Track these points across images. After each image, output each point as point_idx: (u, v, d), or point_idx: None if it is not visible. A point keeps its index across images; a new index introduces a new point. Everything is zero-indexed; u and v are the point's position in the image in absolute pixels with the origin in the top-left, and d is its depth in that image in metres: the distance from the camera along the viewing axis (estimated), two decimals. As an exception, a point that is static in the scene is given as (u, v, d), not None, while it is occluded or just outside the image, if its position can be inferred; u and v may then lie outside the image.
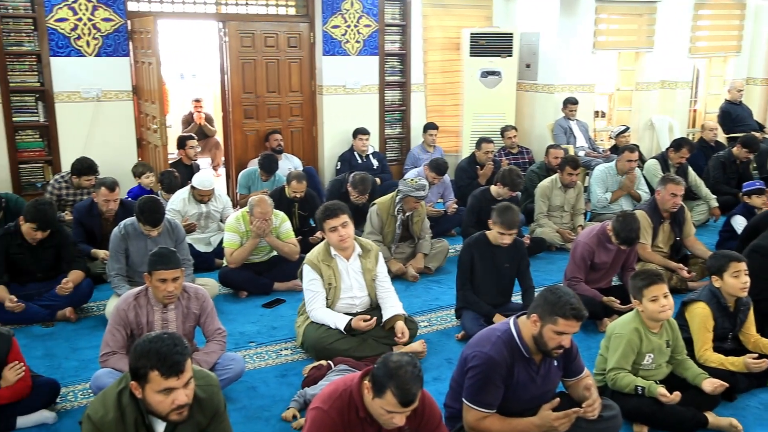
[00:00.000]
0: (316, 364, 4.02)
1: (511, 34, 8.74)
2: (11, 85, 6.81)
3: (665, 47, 9.59)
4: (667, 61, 9.69)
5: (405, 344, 4.26)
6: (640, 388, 3.45)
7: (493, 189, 6.09)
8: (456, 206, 6.86)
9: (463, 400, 3.03)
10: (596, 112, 10.12)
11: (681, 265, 5.29)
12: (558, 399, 3.09)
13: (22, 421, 3.53)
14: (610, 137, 9.11)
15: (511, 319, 3.12)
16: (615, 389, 3.51)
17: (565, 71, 8.81)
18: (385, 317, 4.33)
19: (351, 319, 4.17)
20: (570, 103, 8.49)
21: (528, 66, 9.10)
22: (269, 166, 6.91)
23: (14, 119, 6.88)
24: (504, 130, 8.38)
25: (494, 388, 2.98)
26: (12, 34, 6.75)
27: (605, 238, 4.72)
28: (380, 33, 8.44)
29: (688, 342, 3.79)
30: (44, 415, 3.59)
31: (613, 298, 4.65)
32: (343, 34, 8.22)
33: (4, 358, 3.44)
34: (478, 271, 4.54)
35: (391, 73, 8.75)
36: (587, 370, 3.31)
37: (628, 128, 8.71)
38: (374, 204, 5.88)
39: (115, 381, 2.58)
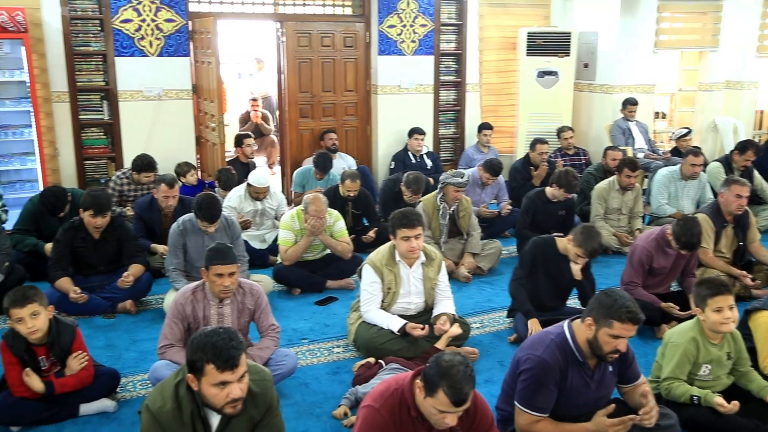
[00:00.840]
0: (365, 361, 4.05)
1: (569, 33, 8.61)
2: (78, 84, 7.04)
3: (731, 46, 9.30)
4: (732, 60, 9.41)
5: (459, 346, 4.25)
6: (695, 397, 3.34)
7: (548, 191, 6.01)
8: (510, 207, 6.79)
9: (515, 403, 3.00)
10: (656, 113, 9.88)
11: (744, 272, 5.11)
12: (613, 405, 3.02)
13: (85, 408, 3.64)
14: (671, 139, 8.89)
15: (566, 323, 3.07)
16: (669, 398, 3.42)
17: (625, 71, 8.63)
18: (434, 315, 4.33)
19: (406, 324, 4.15)
20: (629, 103, 8.31)
21: (586, 66, 8.95)
22: (324, 164, 6.97)
23: (80, 117, 7.12)
24: (560, 131, 8.25)
25: (547, 391, 2.94)
26: (80, 35, 6.98)
27: (665, 242, 4.60)
28: (436, 33, 8.43)
29: (752, 352, 3.65)
30: (105, 404, 3.70)
31: (672, 304, 4.52)
32: (399, 34, 8.23)
33: (69, 347, 3.58)
34: (540, 274, 4.46)
35: (446, 73, 8.73)
36: (644, 377, 3.23)
37: (690, 131, 8.47)
38: (420, 201, 5.88)
39: (172, 373, 2.63)
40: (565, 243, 4.34)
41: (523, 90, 8.72)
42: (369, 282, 4.28)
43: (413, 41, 8.33)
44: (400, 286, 4.28)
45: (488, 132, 8.30)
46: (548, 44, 8.56)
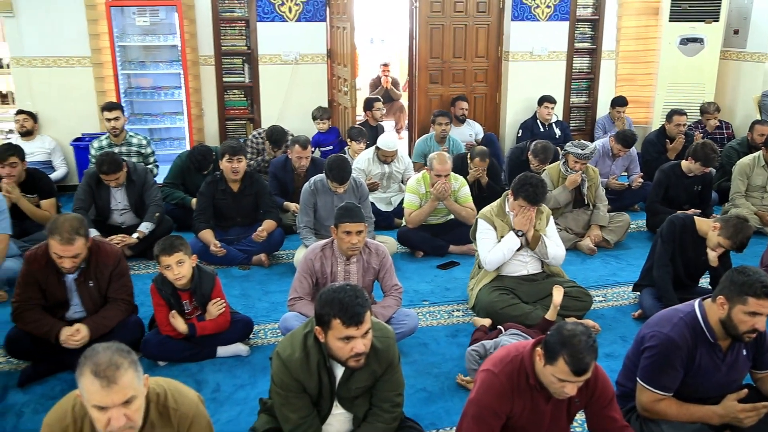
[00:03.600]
0: (481, 324, 4.05)
1: (720, -4, 7.99)
2: (223, 48, 7.37)
3: None
4: None
5: (580, 318, 4.15)
6: None
7: (684, 164, 5.69)
8: (641, 180, 6.50)
9: (638, 380, 2.89)
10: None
11: None
12: (746, 390, 2.86)
13: (221, 350, 3.87)
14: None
15: (696, 302, 2.91)
16: None
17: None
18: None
19: (514, 230, 4.24)
20: (783, 72, 7.64)
21: (736, 32, 8.27)
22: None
23: (224, 79, 7.46)
24: (704, 110, 7.70)
25: (672, 371, 2.81)
26: (226, 1, 7.28)
27: (813, 224, 4.25)
28: (573, -3, 8.09)
29: None
30: (239, 348, 3.91)
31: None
32: (534, -1, 7.98)
33: (209, 294, 3.81)
34: (674, 254, 4.25)
35: (581, 40, 8.37)
36: (781, 364, 3.03)
37: None
38: (545, 169, 5.74)
39: (301, 324, 2.73)
40: (707, 227, 4.09)
41: (664, 58, 8.22)
42: (483, 230, 4.32)
43: (548, 6, 8.03)
44: None
45: (621, 109, 7.92)
46: (695, 8, 7.99)
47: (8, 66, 7.01)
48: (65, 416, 2.19)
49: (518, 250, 4.28)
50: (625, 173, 6.75)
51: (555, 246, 4.34)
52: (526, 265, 4.34)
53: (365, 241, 3.81)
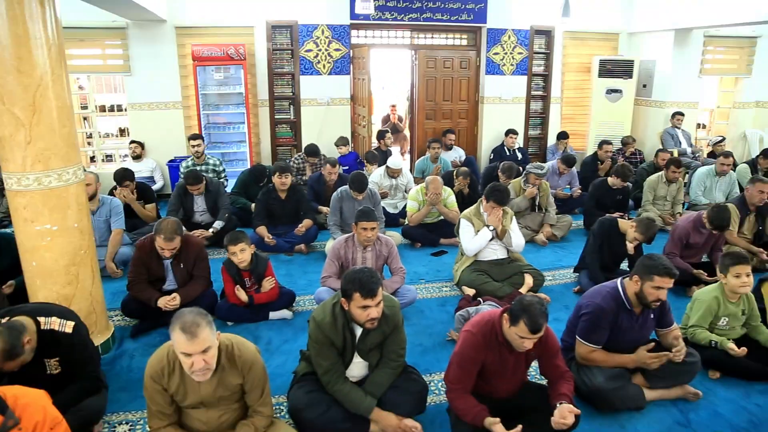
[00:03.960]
0: (466, 294, 4.04)
1: (632, 60, 7.97)
2: (275, 94, 7.36)
3: (763, 73, 8.31)
4: (763, 85, 8.39)
5: (535, 292, 4.12)
6: (714, 342, 3.12)
7: (609, 180, 5.67)
8: (580, 191, 6.45)
9: (576, 337, 2.89)
10: (698, 124, 8.95)
11: (762, 249, 4.65)
12: (653, 344, 2.87)
13: (272, 315, 3.86)
14: (708, 145, 8.07)
15: (618, 280, 2.93)
16: (693, 342, 3.19)
17: (675, 91, 7.90)
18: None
19: (488, 226, 4.22)
20: (677, 114, 7.60)
21: (644, 86, 8.24)
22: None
23: (275, 117, 7.45)
24: (625, 142, 7.68)
25: (601, 330, 2.83)
26: (277, 61, 7.27)
27: (699, 224, 4.25)
28: (530, 59, 8.04)
29: (762, 312, 3.33)
30: (285, 313, 3.91)
31: (701, 271, 4.18)
32: (501, 59, 7.93)
33: (263, 273, 3.81)
34: (603, 245, 4.21)
35: (535, 89, 8.32)
36: (676, 324, 3.03)
37: (723, 138, 7.73)
38: (510, 183, 5.70)
39: (331, 296, 2.71)
40: (626, 226, 4.09)
41: (595, 103, 8.18)
42: (465, 226, 4.28)
43: (512, 65, 8.00)
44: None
45: (564, 141, 7.90)
46: (615, 69, 7.98)
47: (126, 110, 7.05)
48: (162, 359, 2.21)
49: (490, 240, 4.25)
50: (569, 186, 6.70)
51: (517, 238, 4.30)
52: (496, 252, 4.31)
53: (377, 235, 3.79)
